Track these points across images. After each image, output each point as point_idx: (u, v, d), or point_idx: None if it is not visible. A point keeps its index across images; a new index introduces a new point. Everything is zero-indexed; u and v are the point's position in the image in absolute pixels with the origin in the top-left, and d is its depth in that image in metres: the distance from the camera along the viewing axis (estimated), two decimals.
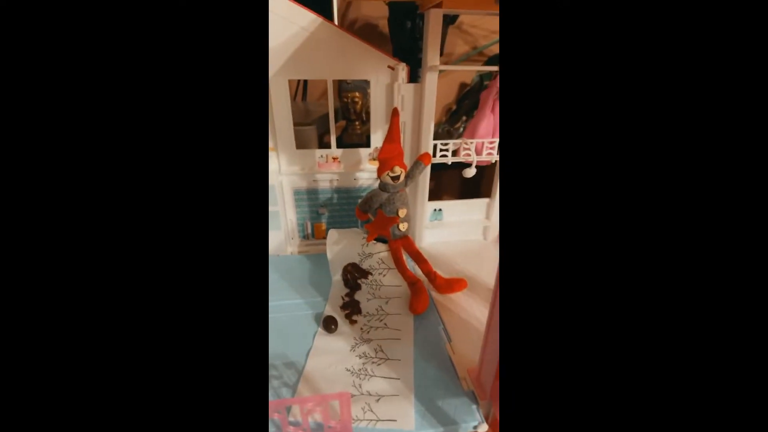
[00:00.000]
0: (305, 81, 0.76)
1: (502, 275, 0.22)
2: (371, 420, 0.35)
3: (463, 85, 0.80)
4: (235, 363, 0.20)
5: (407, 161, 0.55)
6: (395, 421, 0.35)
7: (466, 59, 0.77)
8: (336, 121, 0.72)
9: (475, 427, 0.35)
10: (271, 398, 0.36)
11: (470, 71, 0.75)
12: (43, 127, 0.18)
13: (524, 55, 0.20)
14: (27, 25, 0.18)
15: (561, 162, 0.20)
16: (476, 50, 0.77)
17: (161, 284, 0.20)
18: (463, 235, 0.66)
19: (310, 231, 0.63)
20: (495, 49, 0.76)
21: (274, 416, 0.33)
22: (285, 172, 0.57)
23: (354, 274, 0.52)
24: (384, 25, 0.75)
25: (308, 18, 0.48)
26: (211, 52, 0.19)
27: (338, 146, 0.58)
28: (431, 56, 0.50)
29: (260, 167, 0.21)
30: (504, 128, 0.22)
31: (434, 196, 0.63)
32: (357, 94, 0.71)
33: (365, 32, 0.78)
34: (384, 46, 0.63)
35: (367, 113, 0.71)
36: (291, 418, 0.34)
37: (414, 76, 0.55)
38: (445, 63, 0.72)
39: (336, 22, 0.57)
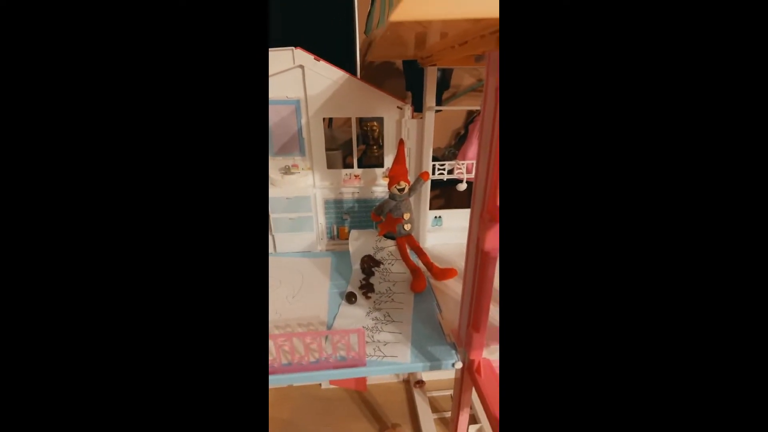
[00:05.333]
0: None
1: (503, 276, 0.23)
2: (380, 356, 0.50)
3: (470, 112, 0.96)
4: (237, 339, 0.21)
5: (411, 178, 0.71)
6: (396, 357, 0.49)
7: (472, 90, 0.93)
8: (357, 145, 0.89)
9: (453, 364, 0.49)
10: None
11: (476, 99, 0.90)
12: (46, 133, 0.18)
13: (525, 55, 0.19)
14: (27, 25, 0.18)
15: (559, 164, 0.19)
16: (480, 83, 0.92)
17: (166, 278, 0.20)
18: (458, 238, 0.81)
19: (336, 233, 0.79)
20: None
21: (313, 344, 0.48)
22: (318, 186, 0.75)
23: (369, 264, 0.68)
24: (400, 63, 0.92)
25: (338, 74, 0.66)
26: (214, 63, 0.20)
27: (359, 166, 0.75)
28: (428, 99, 0.67)
29: (260, 174, 0.22)
30: (504, 130, 0.22)
31: (437, 205, 0.78)
32: (375, 124, 0.87)
33: (384, 68, 0.95)
34: (399, 79, 0.82)
35: (383, 139, 0.88)
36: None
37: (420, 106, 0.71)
38: (453, 93, 0.88)
39: (358, 61, 0.76)
